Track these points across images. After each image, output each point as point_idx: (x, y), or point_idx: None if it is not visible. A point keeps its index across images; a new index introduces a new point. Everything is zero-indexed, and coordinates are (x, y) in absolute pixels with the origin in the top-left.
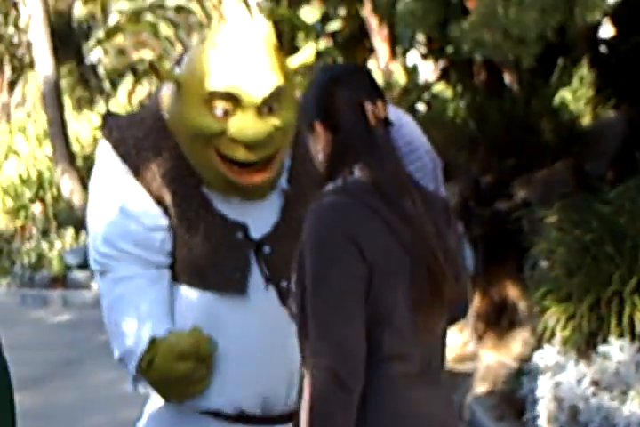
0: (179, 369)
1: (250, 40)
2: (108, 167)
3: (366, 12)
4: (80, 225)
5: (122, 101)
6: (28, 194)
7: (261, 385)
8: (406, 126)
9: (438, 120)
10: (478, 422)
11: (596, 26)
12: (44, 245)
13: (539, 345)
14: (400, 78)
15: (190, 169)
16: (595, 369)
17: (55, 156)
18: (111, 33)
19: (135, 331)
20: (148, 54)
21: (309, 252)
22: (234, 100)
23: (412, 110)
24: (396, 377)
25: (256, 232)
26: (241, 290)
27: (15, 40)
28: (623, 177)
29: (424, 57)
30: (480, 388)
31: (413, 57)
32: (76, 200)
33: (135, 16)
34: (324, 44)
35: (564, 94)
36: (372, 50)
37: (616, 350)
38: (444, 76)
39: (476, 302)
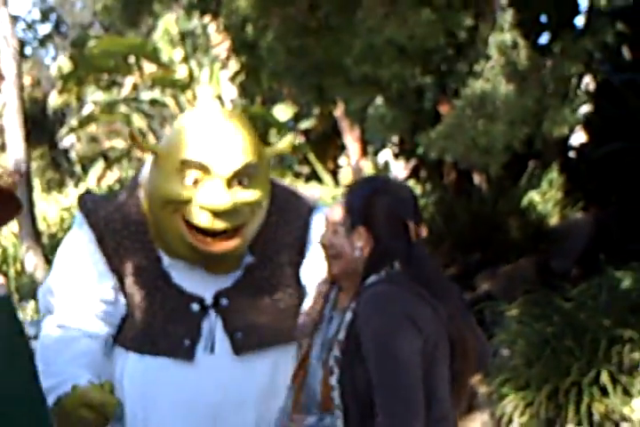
0: (80, 414)
1: (226, 118)
2: (77, 234)
3: (339, 112)
4: None
5: (91, 185)
6: None
7: None
8: None
9: None
10: None
11: (569, 133)
12: None
13: None
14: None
15: (153, 245)
16: None
17: (21, 233)
18: (84, 122)
19: (60, 374)
20: (119, 143)
21: (372, 334)
22: (204, 169)
23: None
24: None
25: (214, 292)
26: (189, 357)
27: None
28: (588, 275)
29: (396, 156)
30: None
31: (386, 154)
32: (40, 275)
33: (109, 107)
34: (296, 140)
35: (533, 196)
36: (342, 147)
37: None
38: (414, 173)
39: None
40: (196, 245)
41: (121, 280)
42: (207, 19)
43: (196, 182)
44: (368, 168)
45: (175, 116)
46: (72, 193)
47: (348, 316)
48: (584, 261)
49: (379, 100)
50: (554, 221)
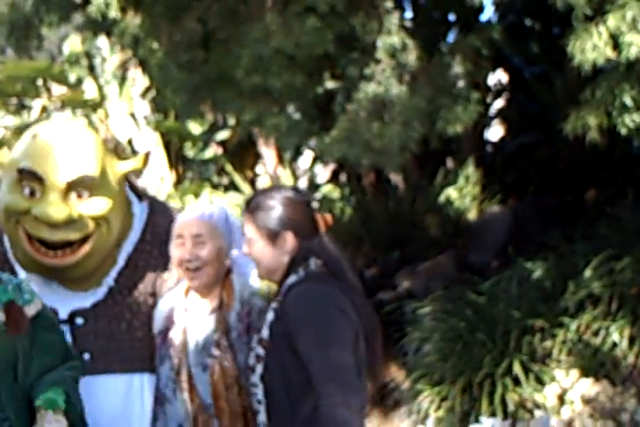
0: None
1: (71, 133)
2: None
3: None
4: None
5: None
6: None
7: None
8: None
9: None
10: None
11: (483, 128)
12: None
13: (416, 425)
14: (288, 182)
15: (8, 258)
16: None
17: None
18: None
19: None
20: None
21: (307, 324)
22: (39, 180)
23: None
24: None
25: (70, 310)
26: None
27: None
28: (506, 268)
29: (314, 160)
30: None
31: (307, 160)
32: None
33: (20, 130)
34: (213, 152)
35: (450, 192)
36: (259, 156)
37: None
38: (334, 177)
39: None
40: (37, 258)
41: None
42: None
43: (32, 194)
44: (286, 175)
45: None
46: None
47: (271, 315)
48: (502, 255)
49: (274, 110)
50: (472, 216)
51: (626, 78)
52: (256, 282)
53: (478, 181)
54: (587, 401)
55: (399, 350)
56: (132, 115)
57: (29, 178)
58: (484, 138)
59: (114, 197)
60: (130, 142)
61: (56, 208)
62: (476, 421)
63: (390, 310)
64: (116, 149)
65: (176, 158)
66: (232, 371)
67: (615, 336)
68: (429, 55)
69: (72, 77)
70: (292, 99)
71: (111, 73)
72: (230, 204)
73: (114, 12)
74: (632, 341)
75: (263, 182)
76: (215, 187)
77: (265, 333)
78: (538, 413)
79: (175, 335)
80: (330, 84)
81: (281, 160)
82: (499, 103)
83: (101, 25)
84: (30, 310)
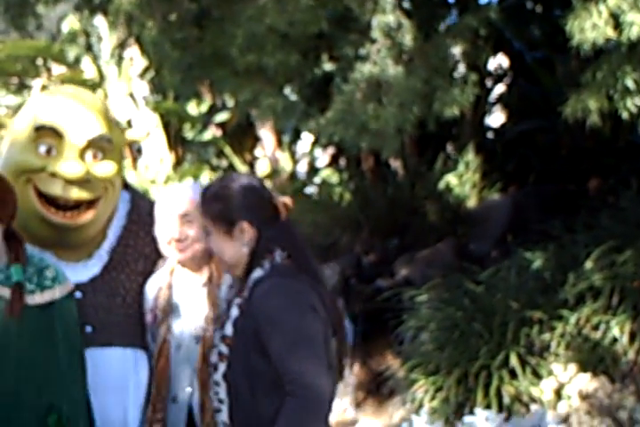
0: None
1: (86, 95)
2: None
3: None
4: None
5: None
6: None
7: None
8: None
9: (324, 204)
10: None
11: (483, 114)
12: None
13: (410, 414)
14: (286, 165)
15: None
16: None
17: None
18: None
19: None
20: None
21: (278, 323)
22: (58, 136)
23: (297, 195)
24: None
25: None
26: None
27: None
28: (506, 257)
29: (313, 144)
30: None
31: (306, 144)
32: None
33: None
34: (212, 134)
35: (449, 179)
36: (258, 139)
37: (482, 420)
38: (334, 161)
39: (356, 372)
40: (47, 216)
41: None
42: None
43: (49, 151)
44: (285, 158)
45: None
46: None
47: (235, 312)
48: (502, 244)
49: (268, 90)
50: (472, 203)
51: (628, 60)
52: None
53: (478, 167)
54: (584, 397)
55: (395, 338)
56: (131, 95)
57: (48, 135)
58: (484, 124)
59: (120, 163)
60: (129, 123)
61: (74, 164)
62: (471, 412)
63: (388, 298)
64: None
65: (175, 140)
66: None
67: (615, 331)
68: (426, 36)
69: (71, 57)
70: (287, 79)
71: (109, 52)
72: None
73: None
74: (633, 336)
75: (262, 165)
76: (214, 169)
77: (229, 330)
78: (534, 407)
79: (161, 314)
80: (328, 66)
81: (280, 143)
82: (500, 88)
83: (97, 3)
84: (44, 297)
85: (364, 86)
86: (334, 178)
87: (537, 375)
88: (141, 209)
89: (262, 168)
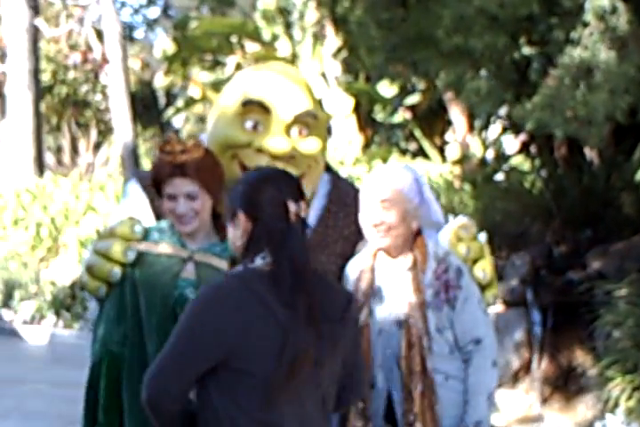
0: None
1: (293, 71)
2: (132, 195)
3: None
4: None
5: None
6: None
7: None
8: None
9: (514, 191)
10: None
11: None
12: None
13: (603, 413)
14: (477, 151)
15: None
16: None
17: None
18: (191, 102)
19: None
20: None
21: (185, 316)
22: (266, 112)
23: (488, 182)
24: None
25: None
26: None
27: (101, 106)
28: None
29: (504, 130)
30: None
31: (496, 129)
32: None
33: (214, 86)
34: (402, 116)
35: None
36: (449, 122)
37: None
38: (524, 148)
39: (544, 367)
40: None
41: None
42: None
43: (255, 127)
44: (475, 143)
45: None
46: None
47: None
48: None
49: (473, 72)
50: None
51: None
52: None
53: None
54: None
55: (588, 333)
56: (323, 75)
57: (255, 110)
58: None
59: (324, 141)
60: (320, 102)
61: (280, 140)
62: None
63: (581, 291)
64: None
65: (365, 122)
66: (418, 330)
67: None
68: None
69: (266, 35)
70: (492, 62)
71: (304, 31)
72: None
73: None
74: None
75: (452, 150)
76: (403, 152)
77: None
78: None
79: (363, 298)
80: (526, 51)
81: (471, 128)
82: None
83: None
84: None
85: (574, 71)
86: (525, 165)
87: None
88: (341, 190)
89: (452, 153)
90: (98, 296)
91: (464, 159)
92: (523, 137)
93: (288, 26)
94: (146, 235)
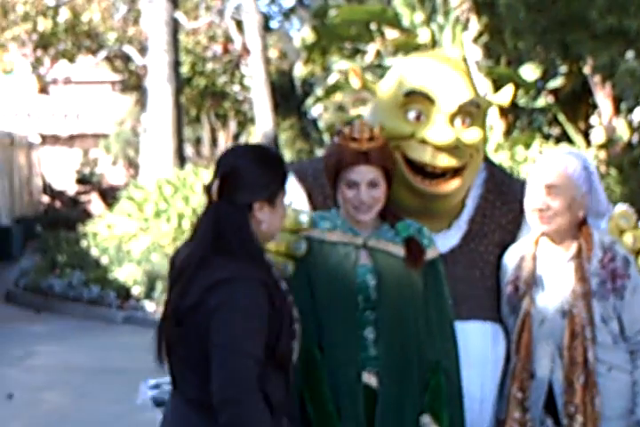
0: None
1: (454, 61)
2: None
3: (588, 69)
4: None
5: None
6: None
7: None
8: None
9: None
10: None
11: None
12: None
13: None
14: (623, 134)
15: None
16: None
17: None
18: (330, 91)
19: None
20: (366, 111)
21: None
22: (429, 102)
23: (635, 166)
24: None
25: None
26: None
27: (240, 97)
28: None
29: None
30: None
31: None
32: None
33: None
34: (544, 100)
35: None
36: (594, 106)
37: None
38: None
39: None
40: (416, 185)
41: None
42: None
43: (418, 117)
44: (621, 127)
45: None
46: None
47: None
48: None
49: (629, 54)
50: None
51: None
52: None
53: None
54: None
55: None
56: (464, 59)
57: (418, 100)
58: None
59: (485, 130)
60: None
61: (444, 130)
62: None
63: None
64: None
65: (506, 107)
66: (582, 320)
67: None
68: None
69: (405, 21)
70: None
71: (444, 17)
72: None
73: None
74: None
75: (597, 134)
76: (546, 138)
77: None
78: None
79: (524, 286)
80: None
81: (617, 111)
82: None
83: None
84: (428, 254)
85: None
86: None
87: None
88: (497, 178)
89: (597, 137)
90: None
91: (609, 143)
92: None
93: (428, 12)
94: (313, 224)
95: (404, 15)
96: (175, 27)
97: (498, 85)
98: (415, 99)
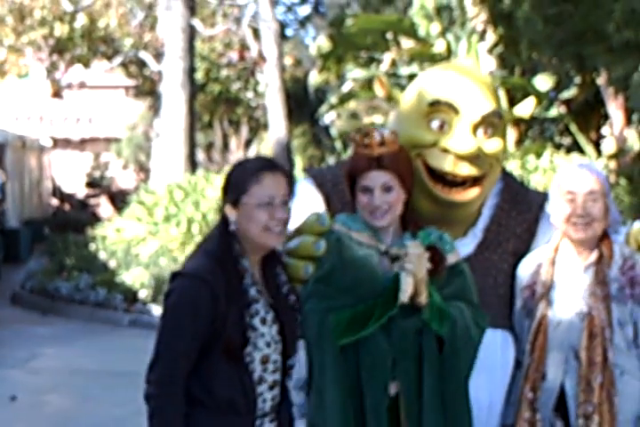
0: None
1: (477, 71)
2: (305, 197)
3: (601, 80)
4: None
5: None
6: None
7: None
8: None
9: None
10: None
11: None
12: None
13: None
14: (634, 145)
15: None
16: None
17: None
18: (344, 99)
19: None
20: (379, 119)
21: None
22: (453, 112)
23: None
24: None
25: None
26: None
27: (253, 103)
28: None
29: None
30: None
31: None
32: None
33: (369, 83)
34: (556, 110)
35: None
36: (606, 116)
37: None
38: None
39: None
40: (435, 193)
41: None
42: None
43: (441, 126)
44: (632, 137)
45: None
46: None
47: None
48: None
49: None
50: None
51: None
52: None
53: None
54: None
55: None
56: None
57: (442, 110)
58: None
59: (505, 140)
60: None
61: (467, 140)
62: None
63: None
64: None
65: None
66: (601, 322)
67: None
68: None
69: (421, 31)
70: None
71: (460, 28)
72: None
73: None
74: None
75: (608, 144)
76: (557, 147)
77: None
78: None
79: (542, 289)
80: None
81: (628, 122)
82: None
83: None
84: (450, 259)
85: None
86: None
87: None
88: (512, 188)
89: (608, 147)
90: None
91: (620, 153)
92: None
93: (444, 23)
94: (341, 224)
95: (420, 25)
96: (191, 33)
97: (511, 95)
98: (439, 108)
